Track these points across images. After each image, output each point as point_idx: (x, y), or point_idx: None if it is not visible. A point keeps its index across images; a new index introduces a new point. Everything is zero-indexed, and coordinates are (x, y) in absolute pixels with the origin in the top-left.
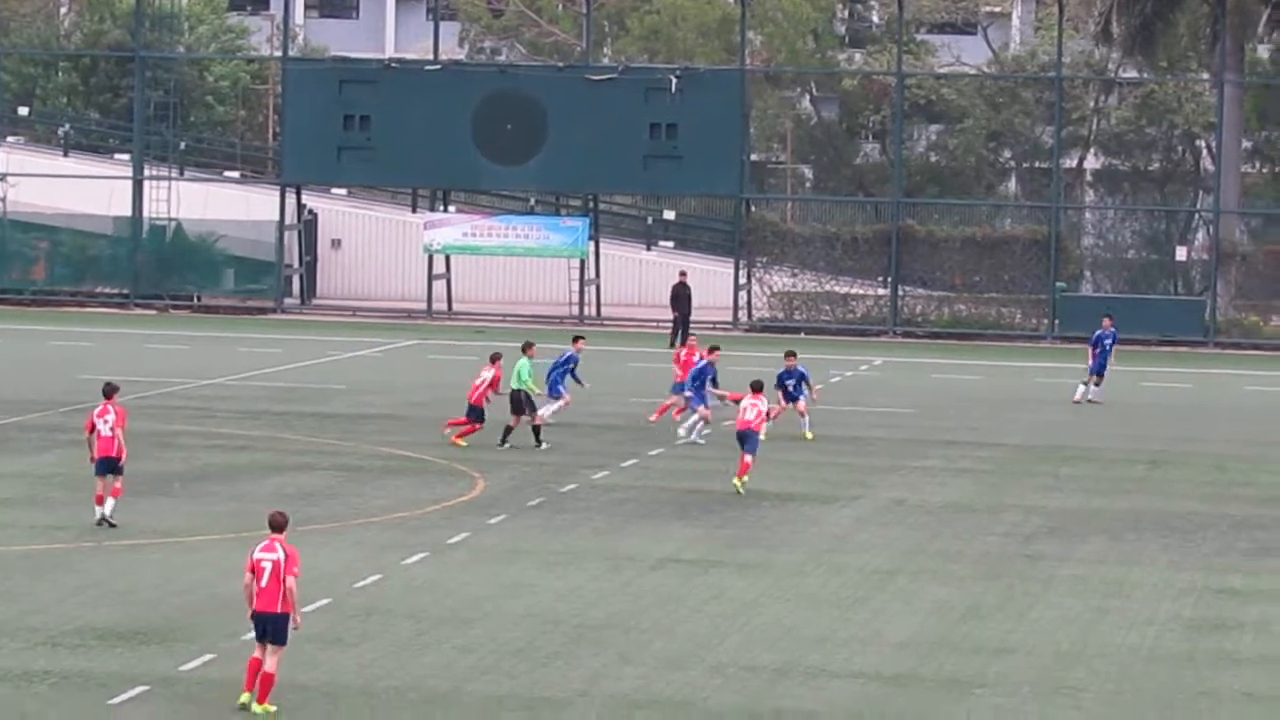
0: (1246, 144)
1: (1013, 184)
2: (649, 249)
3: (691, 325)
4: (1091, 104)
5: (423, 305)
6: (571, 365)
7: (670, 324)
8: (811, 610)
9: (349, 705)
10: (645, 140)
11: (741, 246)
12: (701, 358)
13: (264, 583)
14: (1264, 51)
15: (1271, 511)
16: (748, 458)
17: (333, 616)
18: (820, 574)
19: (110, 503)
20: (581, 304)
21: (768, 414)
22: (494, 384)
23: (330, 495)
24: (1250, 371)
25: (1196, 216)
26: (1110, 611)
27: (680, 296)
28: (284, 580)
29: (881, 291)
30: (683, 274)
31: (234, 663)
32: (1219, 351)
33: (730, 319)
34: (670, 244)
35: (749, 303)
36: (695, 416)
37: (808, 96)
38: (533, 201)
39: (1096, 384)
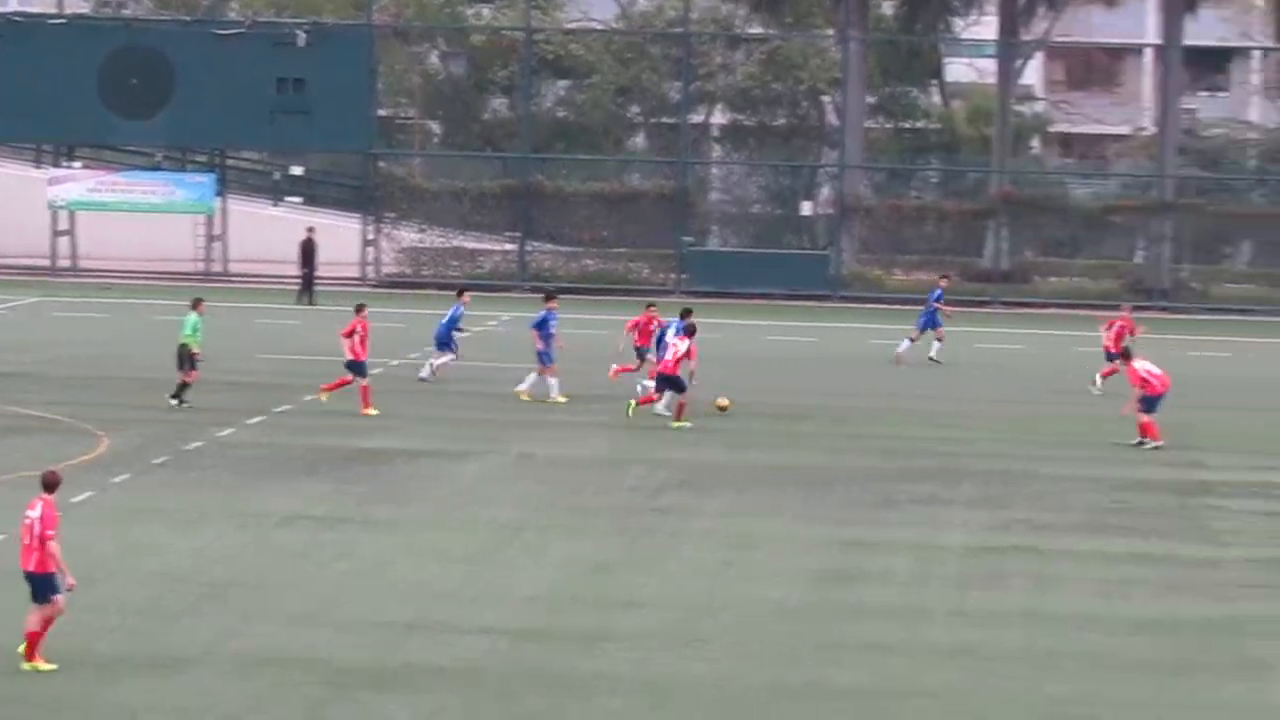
0: (870, 100)
1: (641, 139)
2: (276, 205)
3: (318, 281)
4: (718, 60)
5: (47, 261)
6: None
7: (298, 280)
8: (441, 566)
9: None
10: (273, 95)
11: (370, 202)
12: (659, 324)
13: (25, 541)
14: (888, 8)
15: (896, 463)
16: (680, 397)
17: None
18: (450, 529)
19: None
20: (208, 260)
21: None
22: (350, 331)
23: None
24: (874, 325)
25: (821, 171)
26: (738, 564)
27: (308, 252)
28: (41, 541)
29: (510, 247)
30: (310, 230)
31: None
32: (843, 305)
33: (358, 275)
34: (298, 200)
35: (377, 259)
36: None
37: (436, 52)
38: (159, 157)
39: (938, 340)
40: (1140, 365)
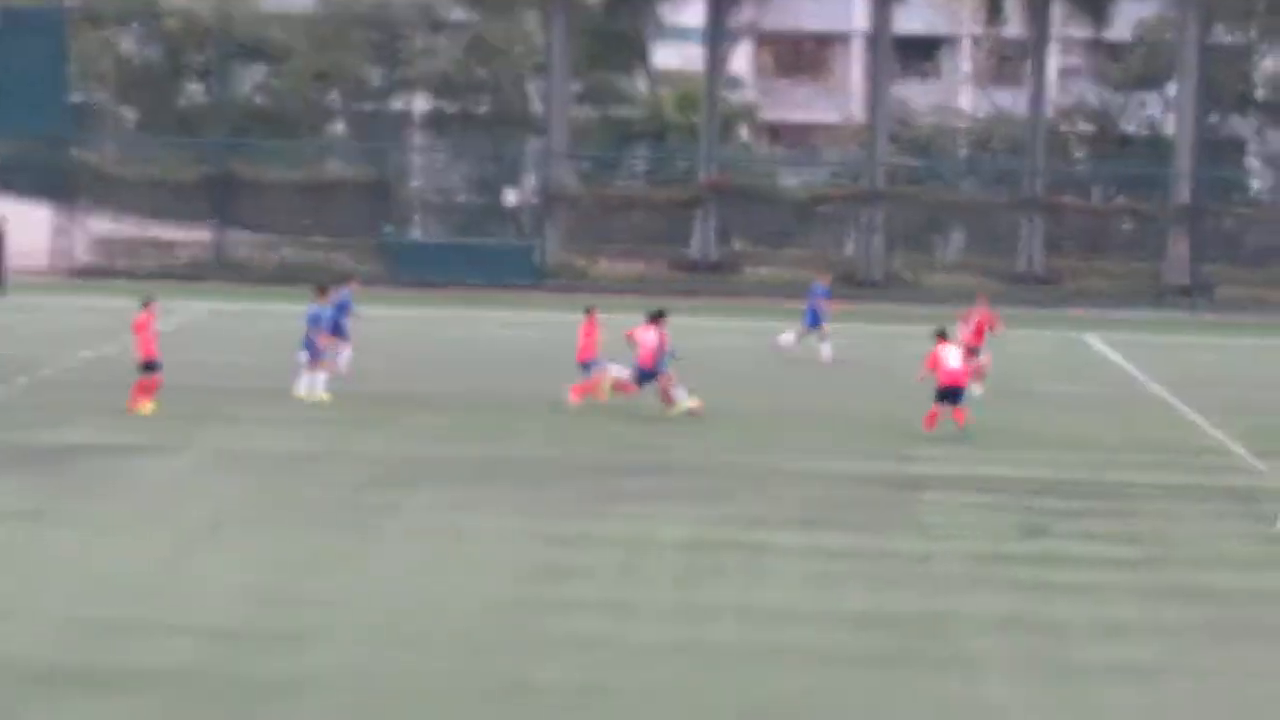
0: (576, 86)
1: (341, 126)
2: None
3: (8, 272)
4: (420, 45)
5: None
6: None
7: None
8: (137, 564)
9: None
10: None
11: (62, 190)
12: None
13: None
14: None
15: (606, 457)
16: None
17: None
18: (150, 526)
19: None
20: None
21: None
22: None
23: None
24: (580, 315)
25: (526, 159)
26: (450, 560)
27: None
28: None
29: (206, 236)
30: (0, 218)
31: None
32: (550, 295)
33: (50, 265)
34: None
35: (69, 248)
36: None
37: (130, 36)
38: None
39: (821, 338)
40: (945, 350)
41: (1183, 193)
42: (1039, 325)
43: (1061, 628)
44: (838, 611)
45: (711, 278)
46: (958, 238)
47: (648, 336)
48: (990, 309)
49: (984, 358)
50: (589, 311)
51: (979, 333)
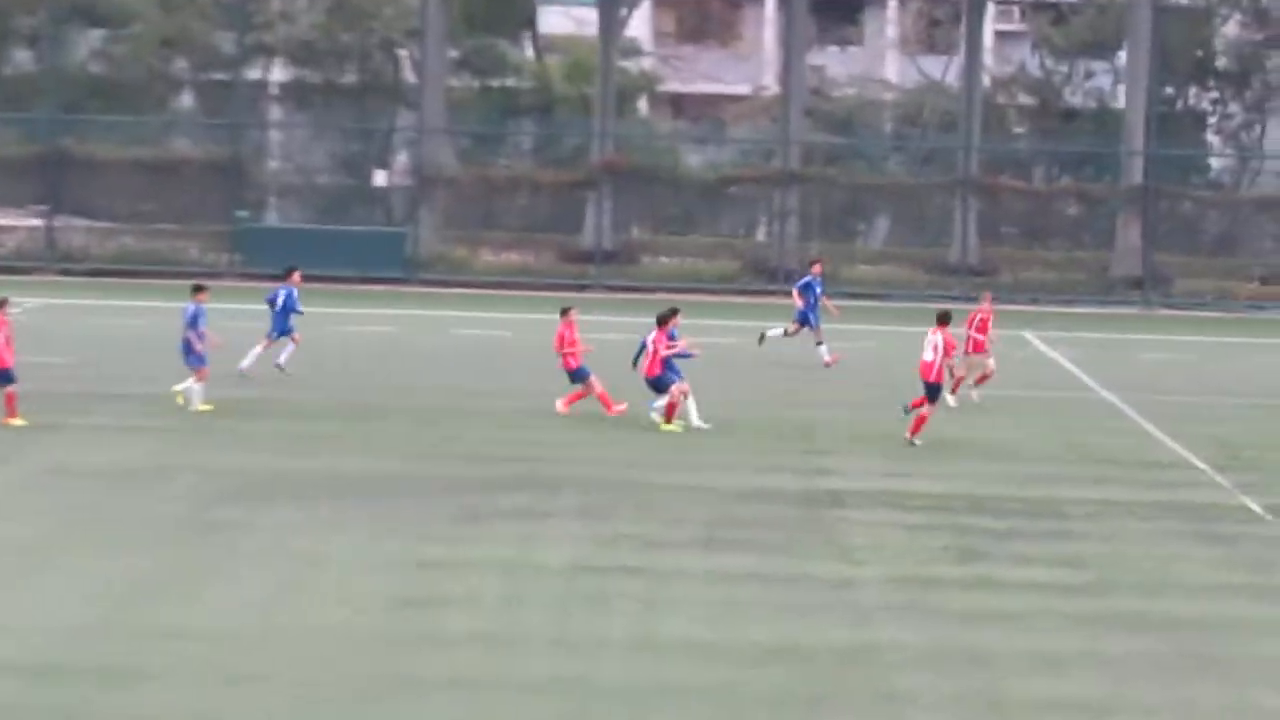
0: (453, 54)
1: (189, 99)
2: None
3: None
4: (278, 7)
5: None
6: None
7: None
8: None
9: None
10: None
11: None
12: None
13: None
14: None
15: (481, 471)
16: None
17: None
18: None
19: None
20: None
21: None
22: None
23: None
24: (458, 312)
25: (397, 136)
26: (300, 587)
27: None
28: None
29: (36, 222)
30: None
31: None
32: (423, 290)
33: None
34: None
35: None
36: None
37: None
38: None
39: (786, 332)
40: (927, 338)
41: (1134, 173)
42: None
43: (995, 660)
44: (743, 644)
45: (606, 269)
46: (882, 224)
47: (649, 344)
48: (991, 307)
49: (988, 368)
50: (565, 312)
51: (981, 335)
